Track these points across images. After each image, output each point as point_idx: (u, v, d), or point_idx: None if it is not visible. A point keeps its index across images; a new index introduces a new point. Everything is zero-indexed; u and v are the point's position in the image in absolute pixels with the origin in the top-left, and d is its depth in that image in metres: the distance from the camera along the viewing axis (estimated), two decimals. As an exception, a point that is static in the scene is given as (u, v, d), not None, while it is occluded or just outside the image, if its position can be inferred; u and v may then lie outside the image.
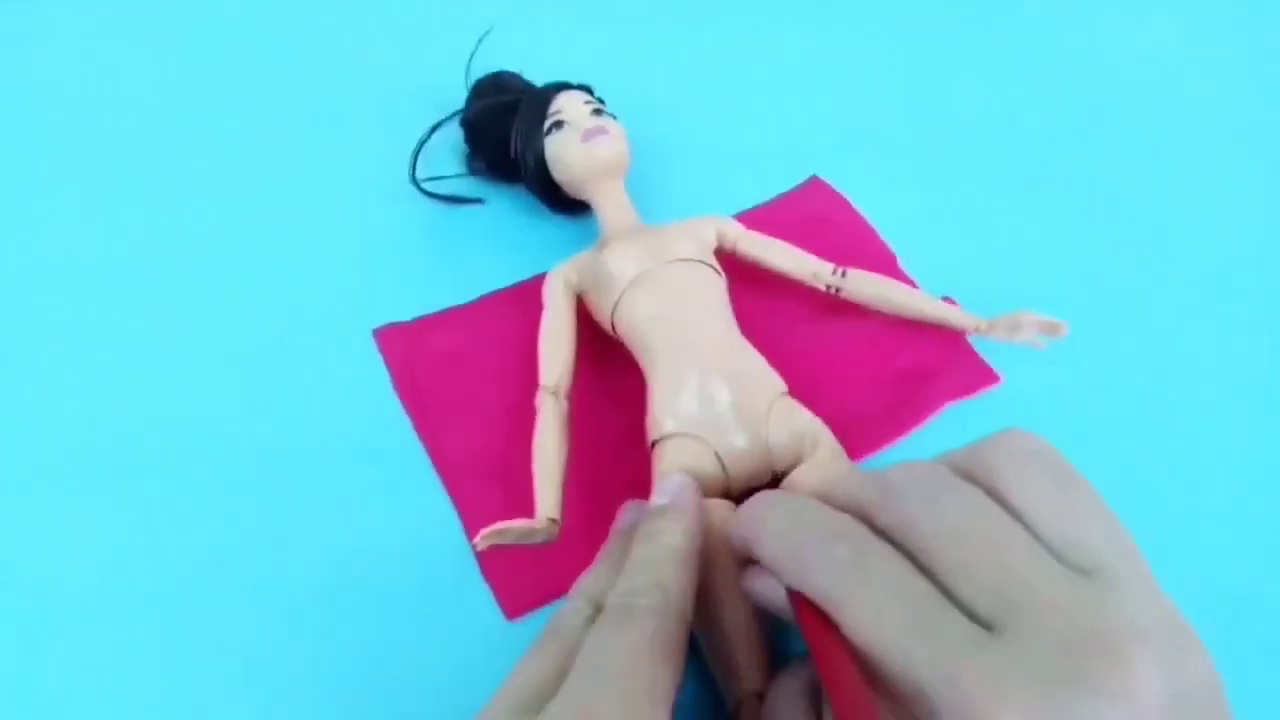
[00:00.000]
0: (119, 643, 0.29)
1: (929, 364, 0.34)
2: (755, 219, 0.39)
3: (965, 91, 0.45)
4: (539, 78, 0.40)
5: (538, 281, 0.35)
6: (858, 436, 0.32)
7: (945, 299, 0.35)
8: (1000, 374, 0.34)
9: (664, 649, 0.23)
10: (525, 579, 0.30)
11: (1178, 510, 0.32)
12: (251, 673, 0.28)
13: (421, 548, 0.31)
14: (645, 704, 0.21)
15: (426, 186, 0.40)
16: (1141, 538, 0.31)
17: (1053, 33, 0.49)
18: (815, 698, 0.25)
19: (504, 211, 0.40)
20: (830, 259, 0.35)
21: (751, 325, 0.33)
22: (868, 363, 0.35)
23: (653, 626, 0.23)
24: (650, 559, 0.25)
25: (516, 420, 0.33)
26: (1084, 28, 0.49)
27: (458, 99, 0.41)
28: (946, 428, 0.33)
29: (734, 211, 0.39)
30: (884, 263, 0.37)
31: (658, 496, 0.28)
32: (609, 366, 0.34)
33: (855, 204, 0.40)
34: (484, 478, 0.32)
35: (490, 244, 0.39)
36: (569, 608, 0.25)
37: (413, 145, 0.39)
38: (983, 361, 0.34)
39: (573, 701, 0.21)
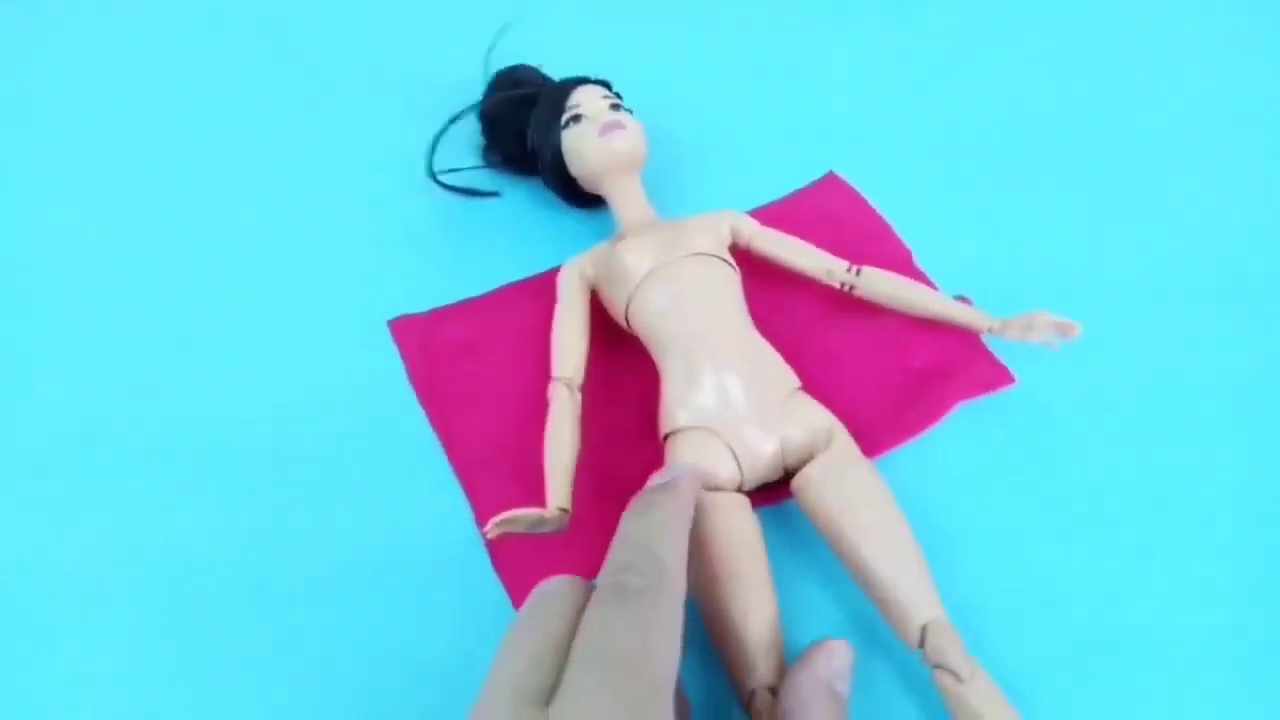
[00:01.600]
0: (136, 627, 0.29)
1: (944, 363, 0.34)
2: (771, 215, 0.39)
3: (983, 88, 0.45)
4: (557, 72, 0.40)
5: (554, 274, 0.36)
6: (871, 435, 0.32)
7: (960, 298, 0.35)
8: (1015, 375, 0.34)
9: (662, 630, 0.22)
10: (537, 572, 0.30)
11: (1190, 510, 0.32)
12: (263, 661, 0.29)
13: (434, 539, 0.31)
14: (649, 694, 0.21)
15: (443, 179, 0.40)
16: (1154, 538, 0.31)
17: (1071, 29, 0.48)
18: (831, 689, 0.25)
19: (520, 204, 0.40)
20: (845, 256, 0.35)
21: (766, 321, 0.33)
22: (882, 361, 0.35)
23: (650, 608, 0.22)
24: (640, 534, 0.25)
25: (531, 412, 0.33)
26: (1103, 24, 0.49)
27: (475, 92, 0.41)
28: (961, 429, 0.33)
29: (750, 207, 0.39)
30: (899, 260, 0.37)
31: (656, 479, 0.28)
32: (622, 359, 0.34)
33: (872, 200, 0.40)
34: (498, 470, 0.32)
35: (506, 236, 0.39)
36: (556, 582, 0.24)
37: (429, 137, 0.40)
38: (998, 362, 0.34)
39: (578, 696, 0.21)
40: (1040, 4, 0.50)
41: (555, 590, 0.24)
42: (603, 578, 0.24)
